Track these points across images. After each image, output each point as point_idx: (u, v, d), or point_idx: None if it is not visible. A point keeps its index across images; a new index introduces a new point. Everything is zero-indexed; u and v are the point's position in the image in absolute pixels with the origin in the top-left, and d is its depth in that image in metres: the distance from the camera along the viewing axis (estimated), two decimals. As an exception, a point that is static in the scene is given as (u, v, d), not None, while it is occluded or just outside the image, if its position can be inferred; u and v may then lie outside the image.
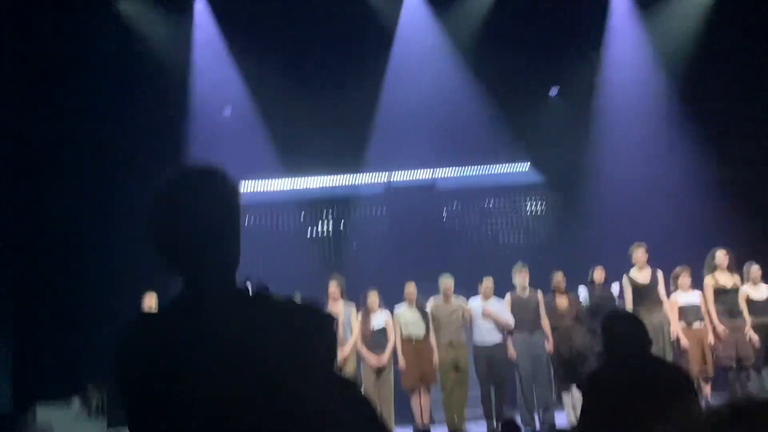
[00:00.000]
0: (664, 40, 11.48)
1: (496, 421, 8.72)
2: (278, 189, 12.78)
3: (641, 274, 8.94)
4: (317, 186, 12.99)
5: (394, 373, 8.80)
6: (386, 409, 8.48)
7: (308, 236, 12.89)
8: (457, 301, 9.11)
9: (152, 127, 10.62)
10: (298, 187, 12.90)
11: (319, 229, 13.08)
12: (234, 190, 1.62)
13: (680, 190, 10.91)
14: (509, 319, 8.90)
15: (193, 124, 11.39)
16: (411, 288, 8.92)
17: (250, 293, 1.58)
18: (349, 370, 8.51)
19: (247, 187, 12.64)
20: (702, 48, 11.10)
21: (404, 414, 9.03)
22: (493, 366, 8.83)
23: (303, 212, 12.88)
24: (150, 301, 8.83)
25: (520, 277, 9.08)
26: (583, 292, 9.25)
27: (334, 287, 8.76)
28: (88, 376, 10.11)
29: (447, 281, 9.05)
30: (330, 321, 1.67)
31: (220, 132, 11.39)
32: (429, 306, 8.98)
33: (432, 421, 9.17)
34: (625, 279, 8.98)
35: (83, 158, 10.66)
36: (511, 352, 8.85)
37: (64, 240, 10.44)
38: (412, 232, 12.44)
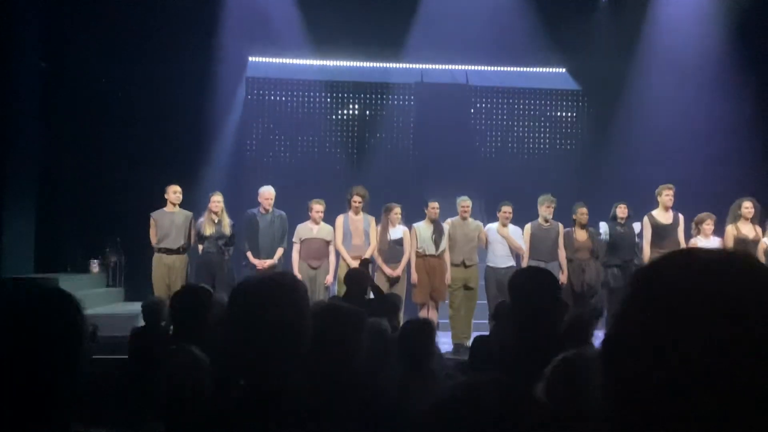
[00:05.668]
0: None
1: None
2: (307, 65, 12.48)
3: (664, 216, 8.92)
4: (347, 68, 12.70)
5: (407, 285, 8.98)
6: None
7: (333, 118, 12.70)
8: (474, 222, 9.17)
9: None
10: (328, 67, 12.61)
11: (345, 112, 12.89)
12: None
13: (720, 133, 10.51)
14: (522, 245, 9.02)
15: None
16: (434, 205, 8.96)
17: None
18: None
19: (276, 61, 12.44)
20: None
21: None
22: (502, 289, 8.96)
23: (330, 93, 12.62)
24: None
25: (546, 210, 9.06)
26: (603, 227, 9.26)
27: (358, 201, 8.78)
28: (107, 241, 10.41)
29: (465, 202, 9.07)
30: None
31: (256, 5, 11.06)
32: (446, 225, 9.04)
33: (437, 326, 9.45)
34: (646, 219, 8.96)
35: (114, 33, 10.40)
36: (524, 277, 8.96)
37: (88, 110, 10.37)
38: (439, 127, 12.27)
